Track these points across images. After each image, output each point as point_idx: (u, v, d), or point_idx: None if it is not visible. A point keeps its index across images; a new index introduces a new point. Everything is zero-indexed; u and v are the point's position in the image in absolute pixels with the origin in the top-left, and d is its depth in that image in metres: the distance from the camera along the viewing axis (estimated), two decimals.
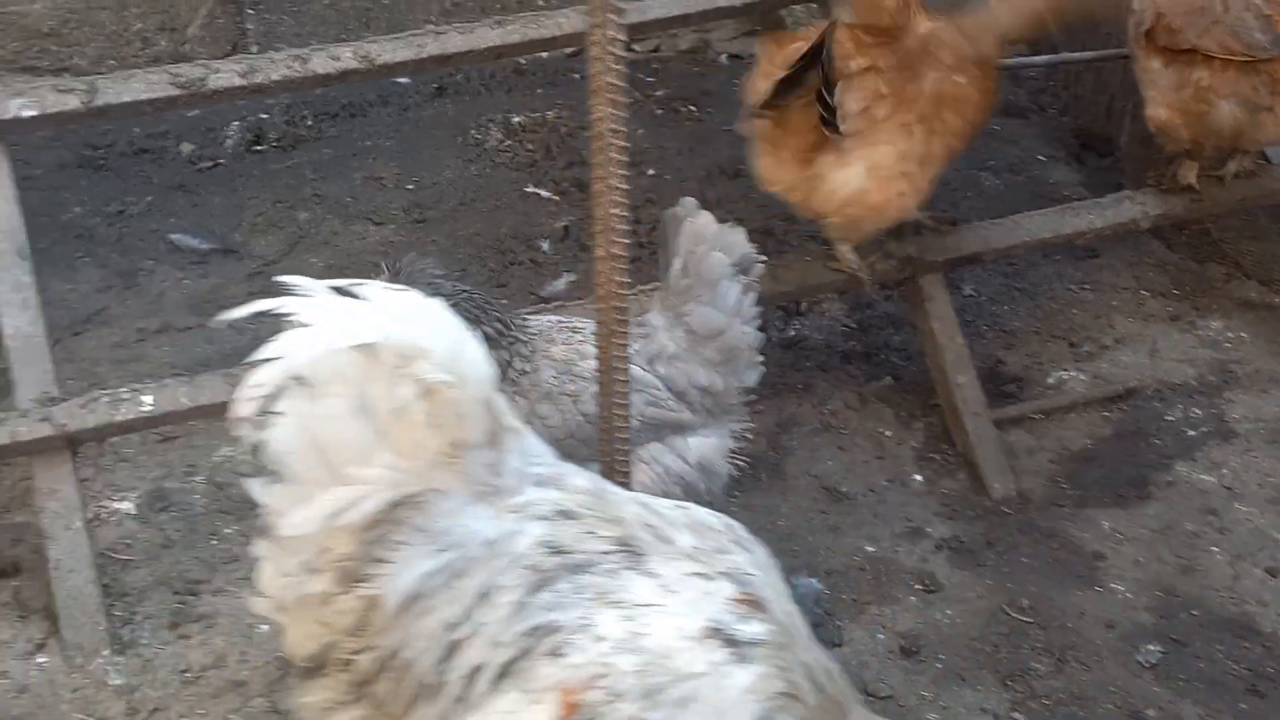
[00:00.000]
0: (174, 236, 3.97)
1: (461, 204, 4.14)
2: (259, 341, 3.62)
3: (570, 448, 2.32)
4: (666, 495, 2.36)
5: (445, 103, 4.74)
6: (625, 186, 1.82)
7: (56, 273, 3.91)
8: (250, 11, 5.28)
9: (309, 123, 4.59)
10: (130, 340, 3.53)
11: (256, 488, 1.48)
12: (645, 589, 1.41)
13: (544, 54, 4.73)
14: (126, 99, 2.69)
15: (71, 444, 2.47)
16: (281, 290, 1.47)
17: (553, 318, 2.53)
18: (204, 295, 3.70)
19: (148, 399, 2.48)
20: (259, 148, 4.48)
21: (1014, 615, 2.63)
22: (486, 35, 2.98)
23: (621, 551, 1.43)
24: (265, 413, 1.42)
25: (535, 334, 2.40)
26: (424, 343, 1.42)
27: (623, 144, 1.78)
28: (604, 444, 2.01)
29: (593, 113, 1.77)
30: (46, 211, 4.23)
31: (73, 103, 2.67)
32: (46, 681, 2.30)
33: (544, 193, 4.17)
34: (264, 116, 4.60)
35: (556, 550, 1.42)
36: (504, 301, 2.49)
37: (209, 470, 2.92)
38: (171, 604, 2.53)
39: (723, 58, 5.27)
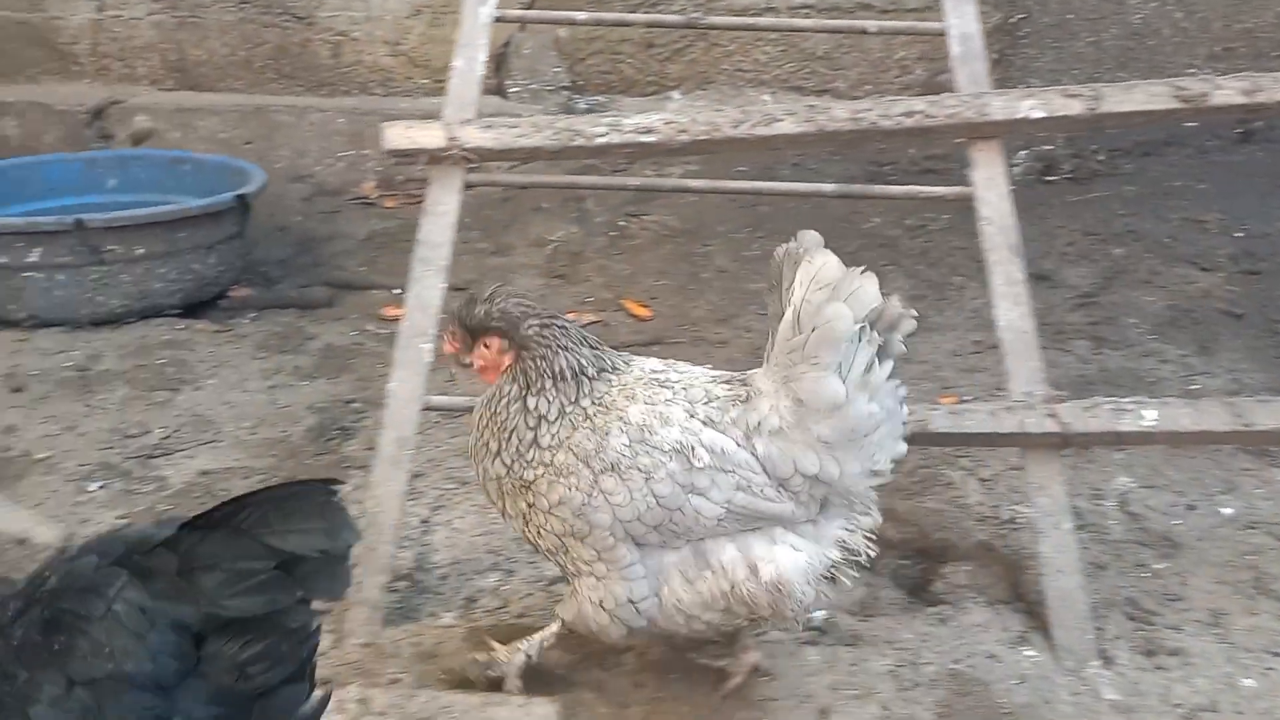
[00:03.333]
0: None
1: None
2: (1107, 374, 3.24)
3: (636, 532, 1.96)
4: (726, 613, 1.97)
5: (1254, 149, 4.40)
6: None
7: None
8: (1021, 42, 5.31)
9: (1100, 158, 4.48)
10: (966, 350, 3.58)
11: None
12: None
13: None
14: (1128, 108, 2.65)
15: (1064, 444, 2.44)
16: None
17: (647, 364, 2.07)
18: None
19: (1150, 415, 2.39)
20: (1050, 178, 4.44)
21: None
22: None
23: None
24: None
25: (615, 384, 1.98)
26: None
27: None
28: None
29: None
30: (848, 219, 4.48)
31: (1076, 108, 2.67)
32: (1040, 677, 2.26)
33: None
34: (1049, 148, 4.56)
35: None
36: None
37: (1116, 497, 2.81)
38: (1130, 629, 2.41)
39: None
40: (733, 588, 1.95)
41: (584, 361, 1.99)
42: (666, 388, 1.99)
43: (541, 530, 2.02)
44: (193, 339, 3.75)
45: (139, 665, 1.28)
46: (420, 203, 5.27)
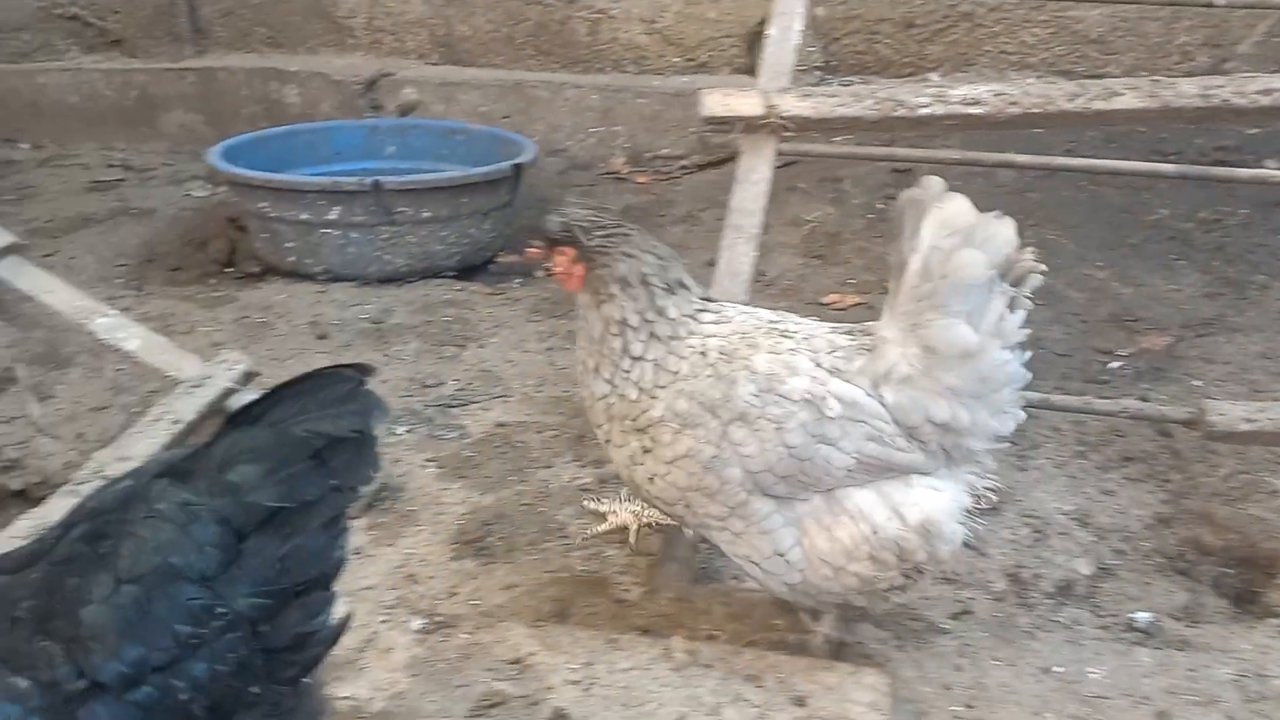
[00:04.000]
0: None
1: None
2: None
3: (765, 483, 1.90)
4: (874, 561, 1.90)
5: None
6: None
7: (1150, 269, 3.89)
8: None
9: None
10: (1277, 353, 3.33)
11: None
12: None
13: None
14: None
15: None
16: None
17: (764, 313, 2.04)
18: None
19: None
20: None
21: None
22: None
23: None
24: None
25: (732, 333, 1.96)
26: None
27: None
28: None
29: None
30: (1130, 209, 4.26)
31: None
32: None
33: None
34: None
35: None
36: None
37: None
38: None
39: None
40: (875, 532, 1.89)
41: (648, 270, 2.00)
42: (788, 337, 1.96)
43: (657, 478, 1.98)
44: (470, 299, 3.92)
45: (184, 557, 1.30)
46: (669, 179, 5.38)
